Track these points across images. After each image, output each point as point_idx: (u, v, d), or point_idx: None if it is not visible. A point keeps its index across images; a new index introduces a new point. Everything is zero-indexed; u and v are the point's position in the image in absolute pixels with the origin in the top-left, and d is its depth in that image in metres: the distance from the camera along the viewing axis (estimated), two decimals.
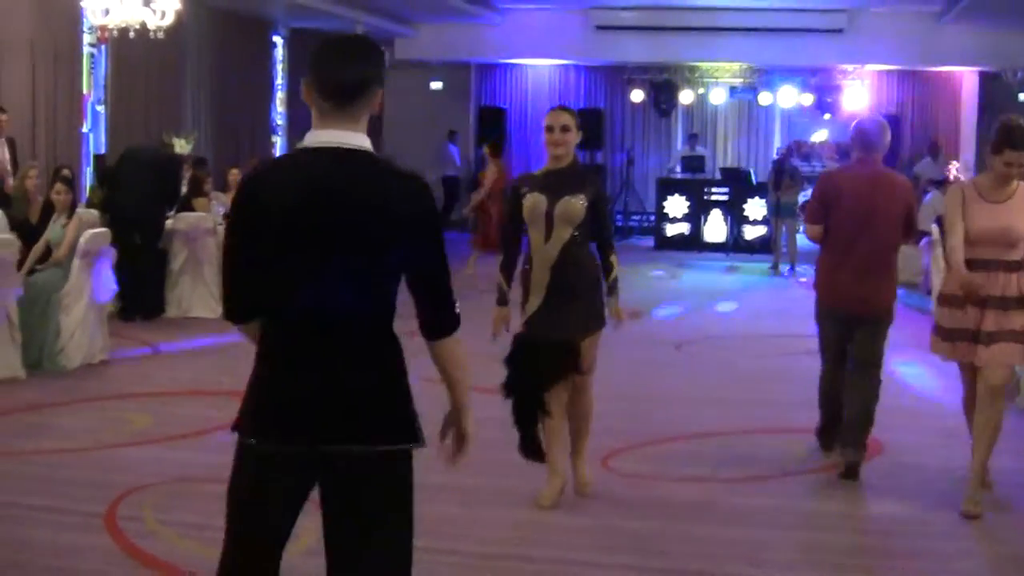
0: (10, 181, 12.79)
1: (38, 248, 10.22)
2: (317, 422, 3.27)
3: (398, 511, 3.38)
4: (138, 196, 12.07)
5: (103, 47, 16.47)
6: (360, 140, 3.34)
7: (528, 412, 6.38)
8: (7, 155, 13.36)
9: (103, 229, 10.37)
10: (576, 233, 6.27)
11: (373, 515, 3.34)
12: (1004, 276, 6.41)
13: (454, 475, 6.70)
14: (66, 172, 11.32)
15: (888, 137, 7.35)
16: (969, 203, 6.45)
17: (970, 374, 6.70)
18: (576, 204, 6.26)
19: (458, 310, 3.46)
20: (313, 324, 3.28)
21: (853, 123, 7.46)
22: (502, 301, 6.47)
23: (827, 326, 7.51)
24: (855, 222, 7.11)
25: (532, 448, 6.44)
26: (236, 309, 3.44)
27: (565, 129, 6.30)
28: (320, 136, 3.37)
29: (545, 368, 6.26)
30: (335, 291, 3.26)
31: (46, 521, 5.93)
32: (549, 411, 6.32)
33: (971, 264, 6.41)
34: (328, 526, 3.38)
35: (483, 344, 6.34)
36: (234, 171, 14.99)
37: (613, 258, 6.49)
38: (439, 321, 3.44)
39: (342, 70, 3.35)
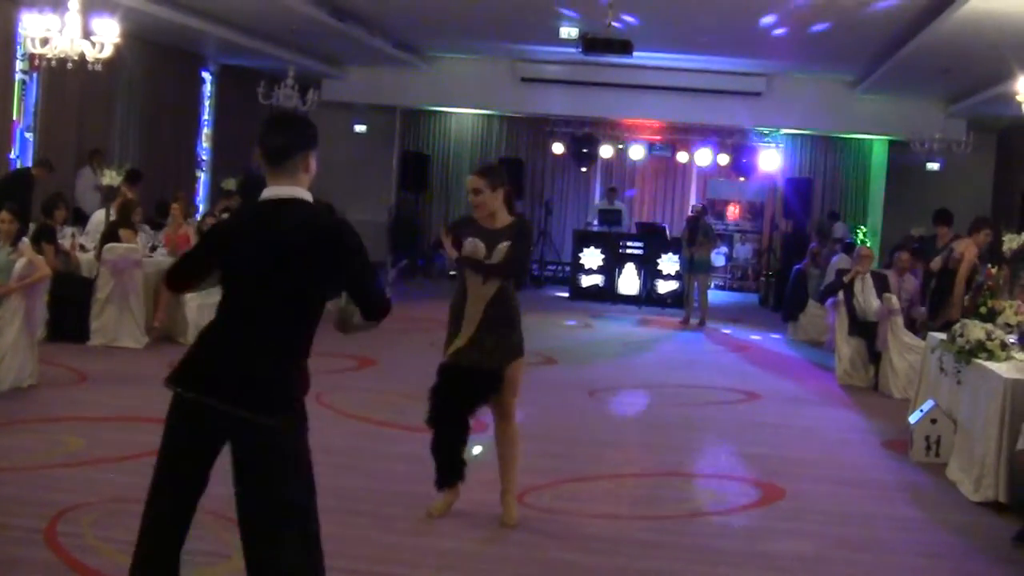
0: None
1: None
2: (223, 388, 4.26)
3: (284, 472, 4.29)
4: None
5: (35, 75, 16.62)
6: (295, 192, 4.39)
7: (451, 438, 6.95)
8: None
9: (39, 256, 10.55)
10: (502, 265, 6.85)
11: (260, 472, 4.27)
12: None
13: (375, 504, 7.09)
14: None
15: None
16: None
17: None
18: (499, 252, 6.84)
19: (389, 295, 4.56)
20: (238, 322, 4.34)
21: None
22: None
23: None
24: None
25: (452, 474, 7.01)
26: (172, 282, 4.71)
27: (476, 192, 6.87)
28: (266, 191, 4.41)
29: (471, 393, 6.87)
30: (260, 300, 4.31)
31: None
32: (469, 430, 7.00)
33: None
34: (234, 475, 4.32)
35: (401, 384, 6.76)
36: (175, 205, 15.17)
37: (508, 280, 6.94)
38: (372, 311, 4.47)
39: (274, 140, 4.42)
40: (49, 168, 15.68)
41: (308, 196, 4.40)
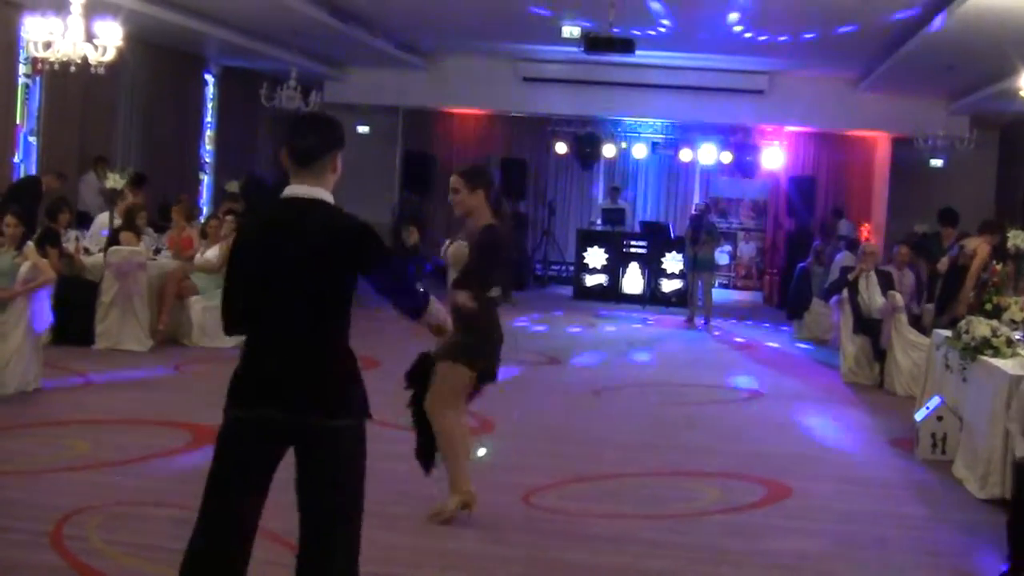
0: None
1: None
2: (274, 396, 4.28)
3: (343, 471, 4.35)
4: None
5: (38, 79, 16.63)
6: (318, 193, 4.41)
7: (422, 424, 7.06)
8: None
9: (43, 260, 10.55)
10: (461, 276, 6.89)
11: (322, 473, 4.32)
12: None
13: (379, 504, 7.07)
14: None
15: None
16: None
17: None
18: (461, 248, 6.93)
19: (421, 289, 4.61)
20: (276, 326, 4.33)
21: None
22: None
23: None
24: None
25: (423, 453, 7.11)
26: (229, 325, 4.51)
27: (454, 191, 6.96)
28: (289, 190, 4.43)
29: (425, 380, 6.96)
30: (290, 302, 4.30)
31: None
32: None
33: None
34: (297, 477, 4.37)
35: (394, 383, 6.82)
36: (175, 208, 15.21)
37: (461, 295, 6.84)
38: (407, 309, 4.57)
39: (303, 140, 4.43)
40: (59, 177, 15.66)
41: (330, 198, 4.43)
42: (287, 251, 4.29)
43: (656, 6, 16.03)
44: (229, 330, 4.53)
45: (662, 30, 17.56)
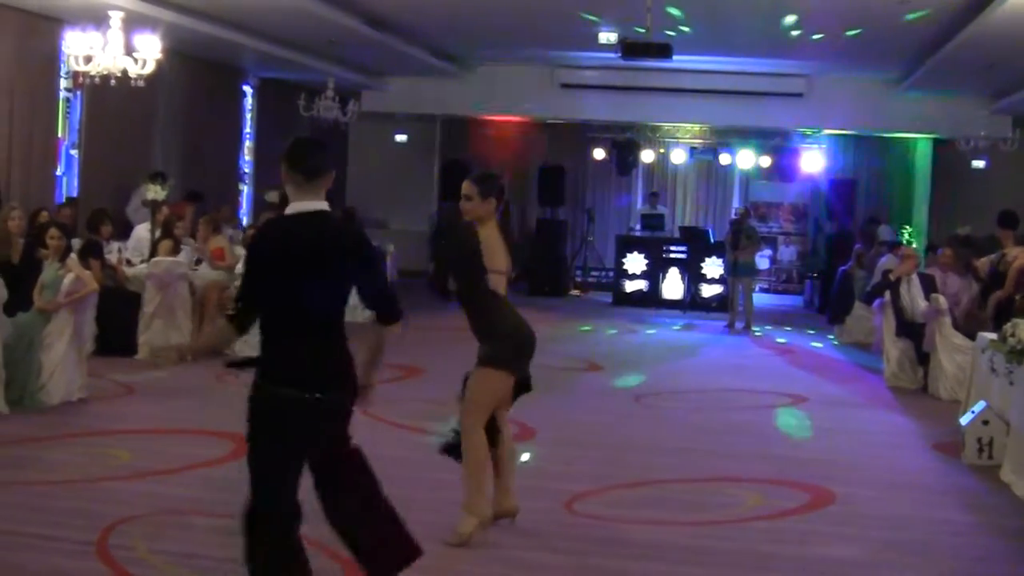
0: None
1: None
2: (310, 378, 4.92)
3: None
4: None
5: (79, 92, 16.76)
6: (320, 205, 5.04)
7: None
8: None
9: (86, 272, 10.63)
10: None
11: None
12: None
13: (422, 511, 7.09)
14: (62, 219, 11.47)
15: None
16: None
17: None
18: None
19: (400, 306, 5.20)
20: (294, 318, 4.94)
21: None
22: None
23: None
24: None
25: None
26: (242, 323, 5.04)
27: (467, 198, 6.88)
28: (295, 206, 5.04)
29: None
30: (303, 299, 4.90)
31: (39, 547, 6.20)
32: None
33: None
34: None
35: (448, 393, 6.79)
36: (202, 220, 15.26)
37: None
38: (386, 314, 5.19)
39: (313, 159, 5.07)
40: (70, 204, 15.77)
41: (327, 207, 5.06)
42: (302, 255, 4.89)
43: (675, 11, 15.97)
44: (239, 328, 5.05)
45: (685, 30, 17.40)
